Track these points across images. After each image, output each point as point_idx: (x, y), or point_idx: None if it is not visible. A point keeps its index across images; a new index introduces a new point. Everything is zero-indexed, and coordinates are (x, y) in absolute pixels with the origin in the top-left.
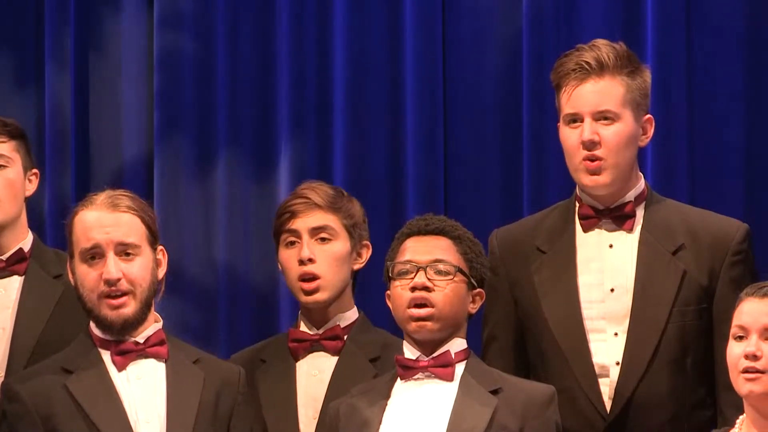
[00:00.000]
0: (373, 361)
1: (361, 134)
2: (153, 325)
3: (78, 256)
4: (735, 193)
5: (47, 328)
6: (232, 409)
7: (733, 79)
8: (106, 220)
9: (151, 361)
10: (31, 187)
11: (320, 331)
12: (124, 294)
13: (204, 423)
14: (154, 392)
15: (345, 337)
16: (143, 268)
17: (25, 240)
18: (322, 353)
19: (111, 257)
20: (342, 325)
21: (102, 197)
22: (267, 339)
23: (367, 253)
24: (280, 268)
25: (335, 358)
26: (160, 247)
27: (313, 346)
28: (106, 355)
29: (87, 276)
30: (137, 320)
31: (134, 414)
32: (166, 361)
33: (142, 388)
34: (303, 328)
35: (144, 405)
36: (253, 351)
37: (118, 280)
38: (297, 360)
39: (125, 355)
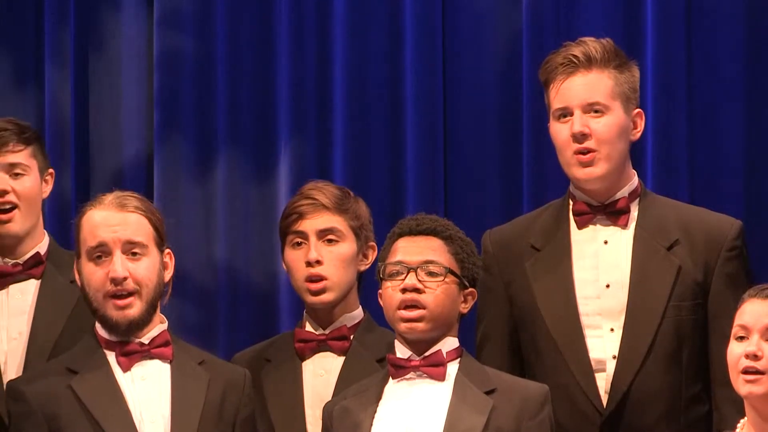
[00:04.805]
0: (381, 362)
1: (361, 134)
2: (158, 326)
3: (85, 255)
4: (735, 193)
5: (64, 333)
6: (237, 411)
7: (733, 78)
8: (113, 219)
9: (156, 362)
10: (48, 189)
11: (327, 332)
12: (130, 294)
13: (209, 423)
14: (158, 392)
15: (351, 337)
16: (150, 268)
17: (41, 243)
18: (328, 353)
19: (118, 256)
20: (348, 325)
21: (110, 197)
22: (270, 338)
23: (372, 254)
24: (285, 268)
25: (341, 359)
26: (167, 251)
27: (319, 346)
28: (111, 356)
29: (93, 275)
30: (143, 321)
31: (138, 414)
32: (171, 362)
33: (147, 388)
34: (308, 328)
35: (148, 405)
36: (256, 350)
37: (125, 279)
38: (303, 360)
39: (130, 356)
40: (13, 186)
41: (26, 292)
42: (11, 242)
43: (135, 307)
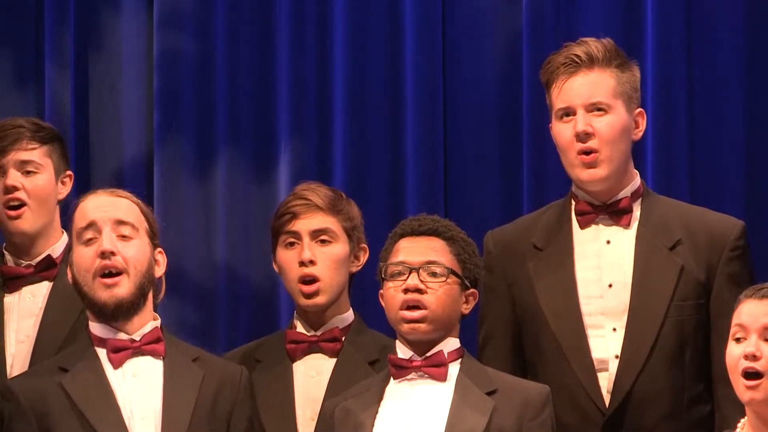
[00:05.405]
0: (372, 364)
1: (361, 134)
2: (150, 323)
3: (75, 239)
4: (735, 193)
5: (69, 337)
6: (232, 408)
7: (733, 78)
8: (104, 201)
9: (148, 359)
10: (65, 190)
11: (318, 333)
12: (119, 273)
13: (201, 420)
14: (150, 389)
15: (343, 338)
16: (140, 251)
17: (56, 245)
18: (319, 355)
19: (107, 233)
20: (340, 327)
21: (101, 190)
22: (260, 338)
23: (364, 257)
24: (276, 268)
25: (333, 360)
26: (159, 249)
27: (310, 347)
28: (102, 353)
29: (83, 257)
30: (131, 304)
31: (129, 411)
32: (163, 359)
33: (138, 384)
34: (300, 329)
35: (139, 401)
36: (246, 350)
37: (113, 253)
38: (294, 361)
39: (121, 353)
40: (23, 183)
41: (37, 295)
42: (23, 242)
43: (123, 287)
